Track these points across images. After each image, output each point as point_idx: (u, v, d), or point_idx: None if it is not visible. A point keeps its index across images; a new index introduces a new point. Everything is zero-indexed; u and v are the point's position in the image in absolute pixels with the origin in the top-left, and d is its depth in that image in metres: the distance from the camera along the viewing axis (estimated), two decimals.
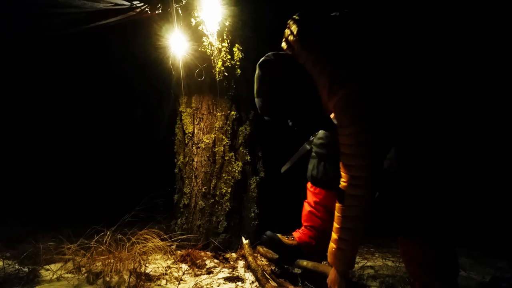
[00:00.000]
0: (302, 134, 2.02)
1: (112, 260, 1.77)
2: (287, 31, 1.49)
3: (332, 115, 1.53)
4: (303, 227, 1.99)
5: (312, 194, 1.93)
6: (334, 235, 1.49)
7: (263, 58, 1.51)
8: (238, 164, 2.30)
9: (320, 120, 1.59)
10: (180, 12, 2.11)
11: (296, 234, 1.97)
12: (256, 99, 1.55)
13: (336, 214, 1.47)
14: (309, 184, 1.97)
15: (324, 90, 1.41)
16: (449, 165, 1.49)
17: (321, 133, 1.87)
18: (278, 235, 1.97)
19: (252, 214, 2.32)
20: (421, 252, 1.37)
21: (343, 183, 1.43)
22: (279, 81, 1.48)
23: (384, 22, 1.52)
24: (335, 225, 1.48)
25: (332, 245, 1.50)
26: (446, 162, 1.49)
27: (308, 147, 1.96)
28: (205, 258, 2.06)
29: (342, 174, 1.44)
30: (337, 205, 1.47)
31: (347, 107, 1.36)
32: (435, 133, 1.49)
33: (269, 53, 1.51)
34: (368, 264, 2.25)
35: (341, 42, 1.42)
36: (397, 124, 1.45)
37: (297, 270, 2.02)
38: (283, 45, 1.52)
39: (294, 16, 1.48)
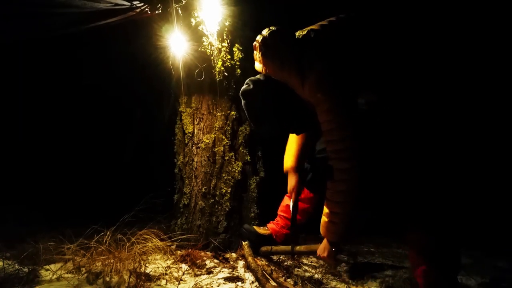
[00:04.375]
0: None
1: (112, 260, 1.77)
2: (254, 54, 1.63)
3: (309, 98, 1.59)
4: (277, 217, 2.13)
5: None
6: (325, 209, 1.54)
7: (243, 87, 1.65)
8: (238, 164, 2.30)
9: (308, 121, 1.64)
10: (180, 12, 2.11)
11: (270, 225, 2.15)
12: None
13: (327, 188, 1.53)
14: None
15: (299, 85, 1.50)
16: (449, 164, 1.58)
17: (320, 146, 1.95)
18: (254, 226, 2.16)
19: (252, 214, 2.32)
20: (424, 243, 1.48)
21: (331, 160, 1.49)
22: (262, 106, 1.62)
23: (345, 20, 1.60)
24: (327, 199, 1.53)
25: (324, 219, 1.56)
26: (446, 162, 1.58)
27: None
28: (205, 258, 2.07)
29: (328, 151, 1.50)
30: (328, 180, 1.54)
31: (319, 85, 1.44)
32: (435, 138, 1.58)
33: (248, 79, 1.64)
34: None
35: (299, 40, 1.52)
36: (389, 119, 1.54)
37: (299, 271, 2.02)
38: (256, 66, 1.65)
39: (255, 40, 1.60)
